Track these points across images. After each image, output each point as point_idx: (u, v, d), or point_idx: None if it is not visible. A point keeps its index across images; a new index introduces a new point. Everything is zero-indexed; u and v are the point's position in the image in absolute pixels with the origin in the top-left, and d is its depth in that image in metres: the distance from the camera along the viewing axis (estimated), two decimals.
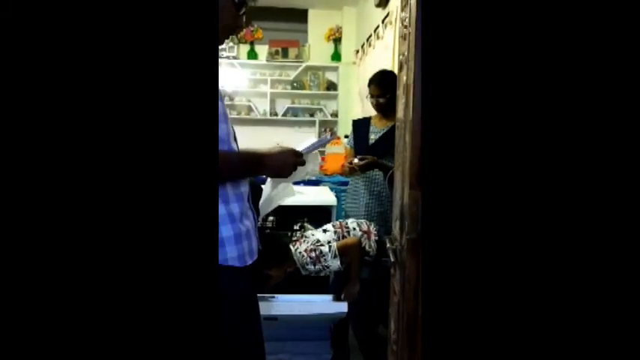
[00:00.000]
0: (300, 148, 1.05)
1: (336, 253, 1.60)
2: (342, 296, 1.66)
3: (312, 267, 1.61)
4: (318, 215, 1.99)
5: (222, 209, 0.91)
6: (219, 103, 0.91)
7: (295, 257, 1.63)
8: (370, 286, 1.74)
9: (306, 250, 1.62)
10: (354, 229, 1.73)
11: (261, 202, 1.22)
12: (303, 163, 1.02)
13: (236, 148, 0.99)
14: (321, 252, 1.61)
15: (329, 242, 1.65)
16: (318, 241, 1.66)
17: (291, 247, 1.67)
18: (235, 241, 0.92)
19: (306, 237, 1.71)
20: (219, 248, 0.88)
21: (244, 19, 0.94)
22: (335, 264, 1.61)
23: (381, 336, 1.73)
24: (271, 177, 1.04)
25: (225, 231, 0.91)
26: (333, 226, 1.75)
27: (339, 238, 1.68)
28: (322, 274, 1.70)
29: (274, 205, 1.26)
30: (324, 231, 1.71)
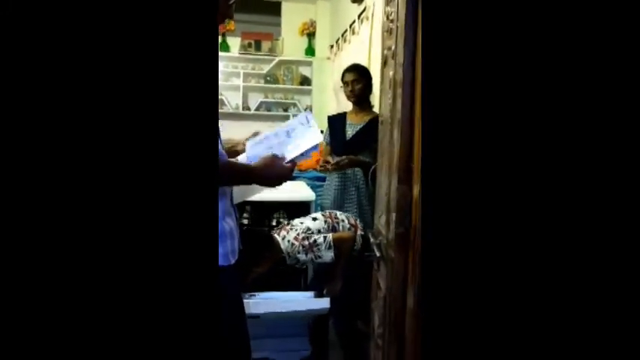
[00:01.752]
0: (291, 155, 1.00)
1: (331, 244, 1.56)
2: (325, 292, 1.64)
3: (304, 256, 1.55)
4: (295, 210, 1.97)
5: None
6: None
7: (283, 246, 1.57)
8: (353, 281, 1.74)
9: (296, 238, 1.56)
10: (344, 220, 1.71)
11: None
12: (291, 175, 0.99)
13: (219, 143, 0.96)
14: (315, 241, 1.56)
15: (320, 231, 1.61)
16: (309, 229, 1.60)
17: (276, 235, 1.61)
18: (220, 240, 0.90)
19: (293, 225, 1.65)
20: None
21: (234, 9, 0.92)
22: (328, 255, 1.56)
23: (361, 331, 1.74)
24: (260, 185, 1.00)
25: None
26: (323, 215, 1.71)
27: (329, 227, 1.65)
28: (304, 266, 1.65)
29: (248, 196, 1.21)
30: (314, 219, 1.67)
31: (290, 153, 1.01)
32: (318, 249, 1.56)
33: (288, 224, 1.69)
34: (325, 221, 1.67)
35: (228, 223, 0.93)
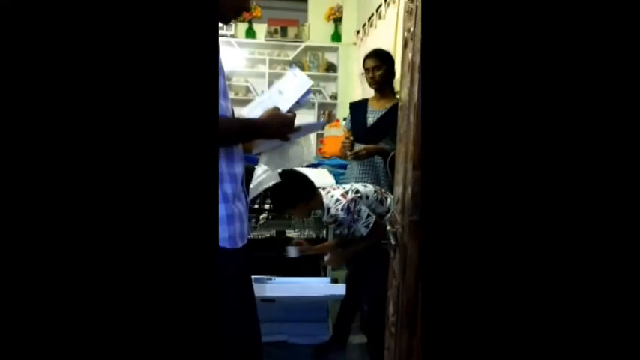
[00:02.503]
0: (287, 106, 1.02)
1: (371, 224, 1.54)
2: (324, 260, 1.61)
3: (344, 215, 1.53)
4: None
5: None
6: (220, 78, 0.88)
7: (325, 200, 1.56)
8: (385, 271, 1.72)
9: (343, 196, 1.55)
10: (391, 197, 1.69)
11: (252, 185, 1.20)
12: (292, 126, 1.00)
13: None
14: (359, 210, 1.54)
15: (368, 197, 1.59)
16: (358, 191, 1.59)
17: (321, 191, 1.61)
18: (227, 222, 0.90)
19: (341, 185, 1.64)
20: None
21: (250, 2, 0.93)
22: (360, 231, 1.55)
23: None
24: (267, 138, 1.03)
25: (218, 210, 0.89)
26: (373, 185, 1.70)
27: (377, 198, 1.62)
28: (338, 229, 1.63)
29: (261, 189, 1.24)
30: (365, 186, 1.65)
31: (285, 106, 1.02)
32: (359, 218, 1.54)
33: (335, 185, 1.66)
34: (375, 191, 1.64)
35: (237, 207, 0.94)
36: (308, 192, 1.56)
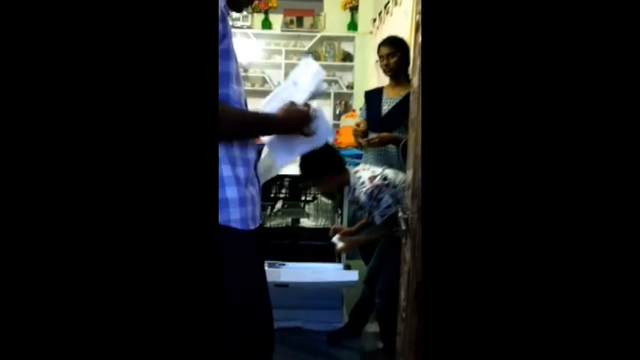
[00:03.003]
0: (302, 98, 1.03)
1: (386, 215, 1.53)
2: (336, 245, 1.61)
3: (366, 199, 1.52)
4: None
5: (228, 171, 0.90)
6: (233, 64, 0.89)
7: (352, 179, 1.56)
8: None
9: (370, 179, 1.54)
10: None
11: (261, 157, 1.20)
12: (308, 114, 1.00)
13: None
14: (382, 198, 1.52)
15: (395, 186, 1.57)
16: (386, 178, 1.57)
17: (350, 169, 1.61)
18: (240, 204, 0.92)
19: (371, 167, 1.64)
20: (222, 209, 0.88)
21: None
22: (377, 219, 1.54)
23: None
24: (283, 133, 1.03)
25: (230, 192, 0.90)
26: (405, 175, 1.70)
27: (403, 188, 1.61)
28: (359, 212, 1.62)
29: (272, 174, 1.24)
30: (396, 173, 1.64)
31: (301, 98, 1.02)
32: (378, 205, 1.52)
33: (367, 165, 1.66)
34: (405, 180, 1.63)
35: (249, 191, 0.95)
36: (337, 165, 1.55)
